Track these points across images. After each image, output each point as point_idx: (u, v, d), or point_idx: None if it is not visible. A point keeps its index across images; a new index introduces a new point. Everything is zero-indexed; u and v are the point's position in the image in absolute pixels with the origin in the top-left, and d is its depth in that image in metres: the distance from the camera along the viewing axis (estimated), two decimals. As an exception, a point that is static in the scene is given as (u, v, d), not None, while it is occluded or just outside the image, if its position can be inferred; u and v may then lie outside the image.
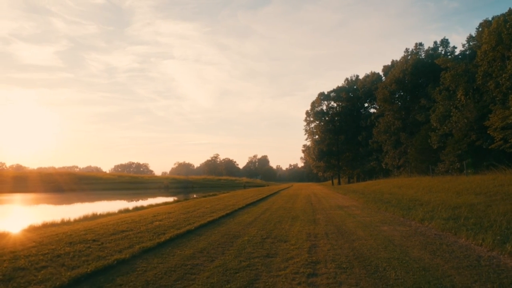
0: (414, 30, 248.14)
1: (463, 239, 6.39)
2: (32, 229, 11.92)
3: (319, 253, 5.69)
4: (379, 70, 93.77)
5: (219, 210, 13.48)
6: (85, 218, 15.47)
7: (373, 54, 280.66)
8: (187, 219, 10.45)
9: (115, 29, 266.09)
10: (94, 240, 6.90)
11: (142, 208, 20.05)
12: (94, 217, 15.85)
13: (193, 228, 8.57)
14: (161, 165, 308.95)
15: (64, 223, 13.88)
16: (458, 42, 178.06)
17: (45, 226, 12.89)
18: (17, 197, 37.66)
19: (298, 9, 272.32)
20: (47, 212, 23.00)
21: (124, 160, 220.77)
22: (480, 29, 34.39)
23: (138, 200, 32.92)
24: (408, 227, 8.27)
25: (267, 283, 4.10)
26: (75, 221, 14.43)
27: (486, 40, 25.00)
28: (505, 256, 5.03)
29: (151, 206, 21.62)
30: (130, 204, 24.53)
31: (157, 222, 9.66)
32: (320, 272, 4.52)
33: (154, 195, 43.84)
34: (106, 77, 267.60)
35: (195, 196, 33.57)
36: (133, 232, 7.94)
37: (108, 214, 17.00)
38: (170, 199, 32.31)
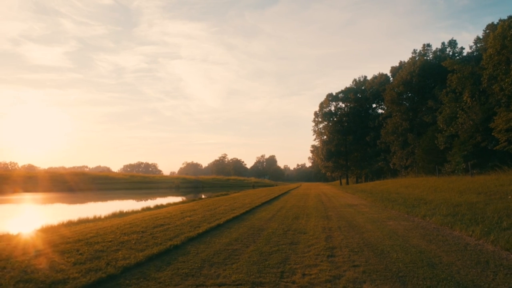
0: (423, 28, 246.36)
1: (457, 231, 7.49)
2: (72, 224, 13.34)
3: (334, 241, 6.87)
4: (387, 68, 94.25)
5: (238, 208, 14.71)
6: (114, 215, 16.84)
7: (381, 52, 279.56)
8: (213, 215, 11.71)
9: (123, 29, 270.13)
10: (143, 232, 8.17)
11: (162, 206, 21.42)
12: (122, 214, 17.21)
13: (222, 222, 9.82)
14: (169, 165, 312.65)
15: (96, 219, 15.29)
16: (469, 40, 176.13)
17: (81, 221, 14.32)
18: (38, 196, 39.53)
19: (306, 8, 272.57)
20: (73, 210, 24.56)
21: (133, 160, 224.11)
22: (487, 31, 35.06)
23: (154, 199, 34.42)
24: (411, 222, 9.38)
25: (296, 261, 5.30)
26: (106, 217, 15.79)
27: (491, 44, 25.74)
28: (488, 243, 6.15)
29: (169, 204, 23.04)
30: (149, 203, 25.93)
31: (188, 218, 10.93)
32: (337, 254, 5.71)
33: (167, 194, 45.38)
34: (114, 78, 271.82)
35: (204, 196, 34.79)
36: (171, 225, 9.21)
37: (133, 212, 18.36)
38: (186, 198, 33.73)
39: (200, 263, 5.26)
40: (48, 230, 11.74)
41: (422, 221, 9.40)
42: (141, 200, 33.21)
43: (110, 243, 6.72)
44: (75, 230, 9.79)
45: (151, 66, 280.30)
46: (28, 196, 40.16)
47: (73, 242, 7.01)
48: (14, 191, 49.41)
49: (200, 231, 8.20)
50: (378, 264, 4.97)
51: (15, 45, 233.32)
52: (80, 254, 5.77)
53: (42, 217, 19.29)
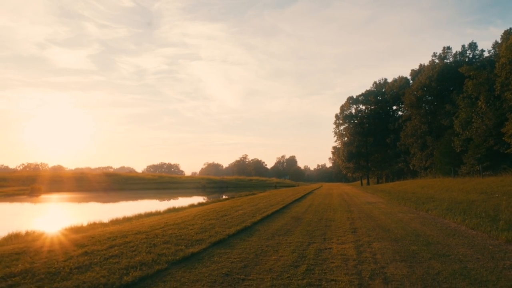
0: (448, 24, 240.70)
1: (447, 220, 10.27)
2: (142, 216, 16.84)
3: (356, 225, 9.84)
4: (409, 67, 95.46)
5: (274, 204, 17.80)
6: (169, 210, 20.36)
7: (403, 50, 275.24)
8: (258, 209, 14.86)
9: (144, 31, 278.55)
10: (216, 219, 11.41)
11: (203, 204, 24.84)
12: (175, 209, 20.72)
13: (269, 213, 12.96)
14: (190, 165, 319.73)
15: (158, 213, 18.82)
16: (496, 35, 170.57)
17: (147, 215, 17.85)
18: (87, 195, 44.28)
19: (326, 6, 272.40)
20: (130, 206, 28.52)
21: (155, 161, 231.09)
22: (505, 36, 36.42)
23: (190, 197, 38.18)
24: (416, 214, 12.16)
25: (331, 234, 8.34)
26: (164, 212, 19.30)
27: (504, 53, 27.56)
28: (463, 226, 8.94)
29: (209, 202, 26.55)
30: (189, 201, 29.51)
31: (241, 211, 14.12)
32: (358, 231, 8.70)
33: (198, 194, 49.20)
34: (135, 79, 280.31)
35: (226, 196, 37.59)
36: (233, 216, 12.42)
37: (182, 208, 21.84)
38: (220, 197, 37.20)
39: (271, 235, 8.40)
40: (132, 219, 15.34)
41: (425, 214, 12.16)
42: (181, 198, 37.04)
43: (202, 225, 9.98)
44: (158, 218, 13.17)
45: (172, 67, 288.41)
46: (79, 195, 45.03)
47: (174, 224, 10.31)
48: (59, 191, 54.82)
49: (258, 218, 11.37)
50: (384, 235, 7.94)
51: (41, 49, 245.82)
52: (191, 229, 9.04)
53: (111, 211, 23.12)
